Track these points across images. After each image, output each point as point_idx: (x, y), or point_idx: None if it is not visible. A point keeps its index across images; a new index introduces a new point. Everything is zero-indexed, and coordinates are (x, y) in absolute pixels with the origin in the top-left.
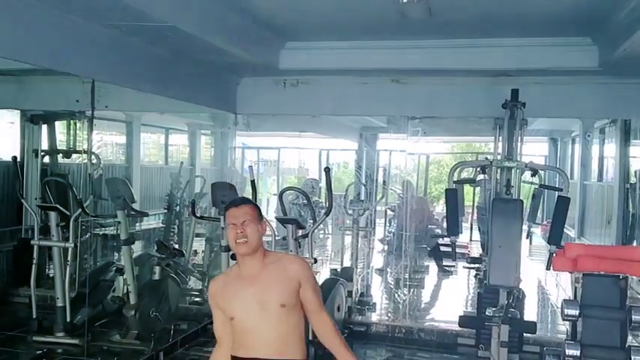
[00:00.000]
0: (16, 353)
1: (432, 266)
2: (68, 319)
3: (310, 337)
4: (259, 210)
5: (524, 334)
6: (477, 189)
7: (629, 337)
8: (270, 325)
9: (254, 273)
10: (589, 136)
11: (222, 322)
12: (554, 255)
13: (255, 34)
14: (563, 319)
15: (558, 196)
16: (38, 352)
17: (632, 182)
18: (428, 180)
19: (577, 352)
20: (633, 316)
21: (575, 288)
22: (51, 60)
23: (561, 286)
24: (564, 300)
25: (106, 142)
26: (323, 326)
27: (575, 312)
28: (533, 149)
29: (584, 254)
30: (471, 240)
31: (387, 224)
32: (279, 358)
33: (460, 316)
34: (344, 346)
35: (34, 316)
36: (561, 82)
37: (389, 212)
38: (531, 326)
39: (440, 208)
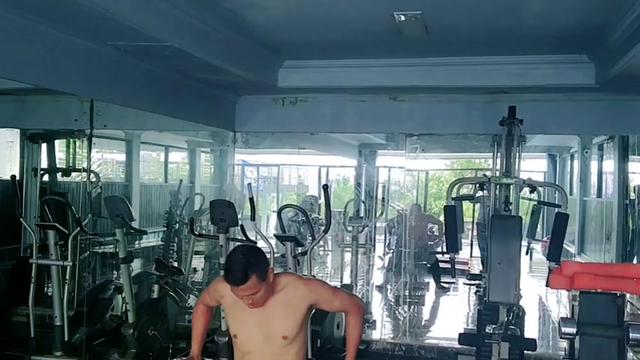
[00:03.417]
0: None
1: (433, 283)
2: (66, 338)
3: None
4: (259, 270)
5: (525, 352)
6: (477, 205)
7: (630, 355)
8: (272, 354)
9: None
10: (587, 152)
11: (212, 301)
12: (552, 272)
13: (253, 53)
14: (561, 337)
15: (557, 212)
16: None
17: (631, 198)
18: (427, 196)
19: None
20: (631, 334)
21: (573, 306)
22: (49, 79)
23: (562, 302)
24: (561, 318)
25: (105, 160)
26: (347, 324)
27: (573, 330)
28: (532, 165)
29: (580, 272)
30: (471, 256)
31: (387, 241)
32: None
33: (460, 334)
34: (353, 348)
35: (32, 335)
36: (558, 99)
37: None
38: (531, 343)
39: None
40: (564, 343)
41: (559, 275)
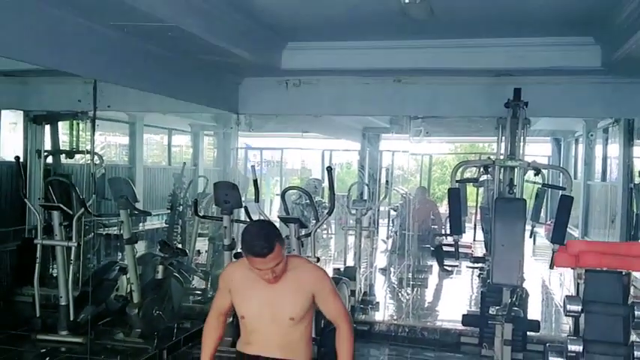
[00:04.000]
0: (20, 352)
1: (436, 266)
2: (72, 318)
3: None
4: (281, 239)
5: (528, 333)
6: (481, 189)
7: (633, 337)
8: (279, 333)
9: None
10: (592, 135)
11: (225, 300)
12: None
13: (257, 34)
14: (566, 315)
15: (561, 195)
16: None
17: (636, 182)
18: (431, 180)
19: (579, 348)
20: (636, 312)
21: (578, 284)
22: (53, 60)
23: (565, 286)
24: (566, 296)
25: (109, 143)
26: (337, 336)
27: (578, 308)
28: (537, 150)
29: (585, 250)
30: (474, 240)
31: (391, 224)
32: (284, 357)
33: (463, 315)
34: None
35: (38, 315)
36: (564, 82)
37: (392, 212)
38: (534, 325)
39: (443, 209)
40: (567, 325)
41: (564, 254)
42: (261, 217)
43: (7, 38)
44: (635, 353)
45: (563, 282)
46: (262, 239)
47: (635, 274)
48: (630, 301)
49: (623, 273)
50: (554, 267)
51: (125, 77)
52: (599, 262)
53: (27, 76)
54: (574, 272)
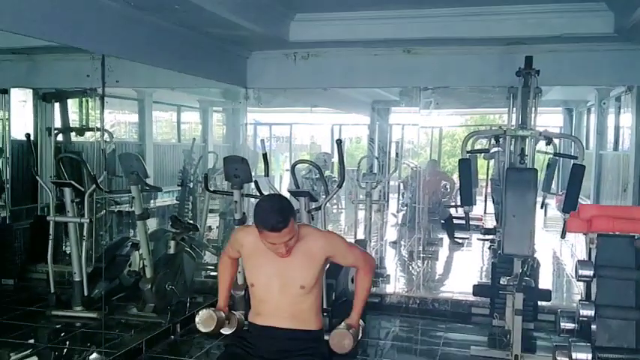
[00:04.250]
0: (35, 327)
1: (447, 239)
2: (86, 294)
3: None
4: (294, 213)
5: (539, 303)
6: (491, 162)
7: None
8: (288, 302)
9: None
10: (604, 103)
11: (235, 253)
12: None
13: (265, 6)
14: (578, 280)
15: (573, 164)
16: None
17: None
18: (442, 154)
19: (591, 313)
20: None
21: (590, 249)
22: (60, 34)
23: (577, 256)
24: (578, 261)
25: (119, 121)
26: (357, 277)
27: (590, 272)
28: (548, 120)
29: (598, 215)
30: (485, 213)
31: (401, 197)
32: (294, 327)
33: (474, 285)
34: (360, 303)
35: (52, 291)
36: (576, 50)
37: (402, 186)
38: (546, 294)
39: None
40: (579, 296)
41: (577, 219)
42: (272, 192)
43: (15, 14)
44: None
45: (575, 253)
46: (277, 214)
47: None
48: None
49: (636, 237)
50: (567, 233)
51: (133, 52)
52: (611, 227)
53: (35, 54)
54: (586, 237)
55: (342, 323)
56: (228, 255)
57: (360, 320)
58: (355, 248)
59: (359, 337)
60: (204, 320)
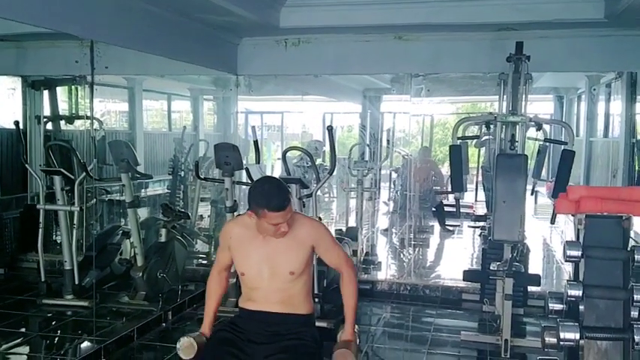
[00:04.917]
0: (26, 316)
1: (437, 226)
2: (77, 282)
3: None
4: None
5: (529, 289)
6: (482, 151)
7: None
8: (278, 288)
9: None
10: (594, 90)
11: (225, 256)
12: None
13: None
14: (566, 261)
15: (563, 149)
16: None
17: (638, 138)
18: (433, 142)
19: (579, 293)
20: (636, 256)
21: (578, 230)
22: (48, 19)
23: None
24: (566, 242)
25: (109, 110)
26: (342, 284)
27: (578, 253)
28: (539, 108)
29: (586, 195)
30: (476, 200)
31: (392, 185)
32: (286, 312)
33: (465, 271)
34: (351, 311)
35: (43, 280)
36: (567, 36)
37: (393, 175)
38: (535, 279)
39: (445, 170)
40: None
41: (565, 200)
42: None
43: None
44: (635, 296)
45: (564, 239)
46: (281, 192)
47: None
48: (630, 246)
49: (624, 217)
50: (556, 219)
51: (122, 38)
52: (600, 207)
53: (23, 41)
54: (574, 219)
55: (339, 340)
56: (219, 269)
57: (356, 326)
58: (340, 248)
59: (358, 345)
60: (184, 349)
